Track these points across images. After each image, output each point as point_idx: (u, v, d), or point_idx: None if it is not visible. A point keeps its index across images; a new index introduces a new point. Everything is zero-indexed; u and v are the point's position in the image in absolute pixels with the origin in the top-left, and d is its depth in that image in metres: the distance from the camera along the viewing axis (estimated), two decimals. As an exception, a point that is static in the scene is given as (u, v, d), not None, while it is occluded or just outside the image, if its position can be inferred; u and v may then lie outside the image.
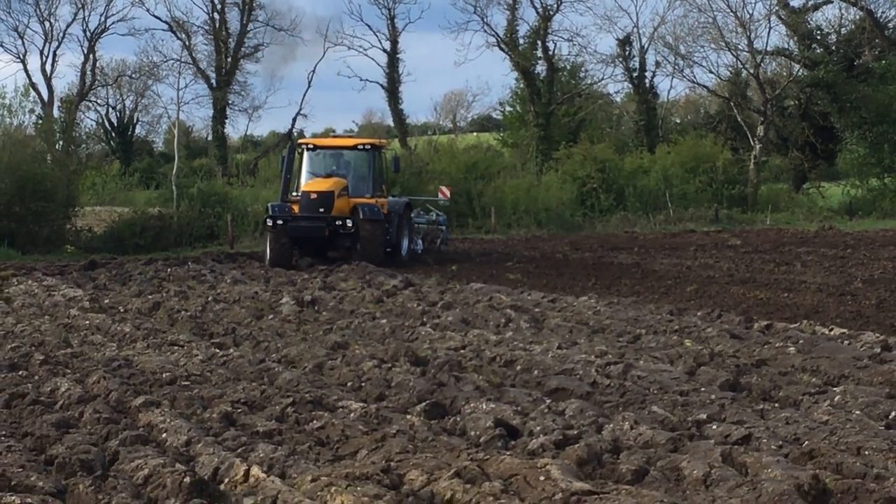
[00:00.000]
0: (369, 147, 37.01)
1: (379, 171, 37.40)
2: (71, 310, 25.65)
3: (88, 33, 73.41)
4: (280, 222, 34.64)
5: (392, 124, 70.11)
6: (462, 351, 18.98)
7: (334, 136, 39.85)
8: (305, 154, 36.78)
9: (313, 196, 34.65)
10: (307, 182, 35.75)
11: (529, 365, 17.36)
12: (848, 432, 12.36)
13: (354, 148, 36.94)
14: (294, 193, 36.04)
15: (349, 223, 34.62)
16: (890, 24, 66.27)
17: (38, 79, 73.98)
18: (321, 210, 34.61)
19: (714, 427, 13.04)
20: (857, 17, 65.97)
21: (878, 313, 23.30)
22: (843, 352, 17.80)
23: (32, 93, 69.73)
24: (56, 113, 69.52)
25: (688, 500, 10.07)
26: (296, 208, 35.05)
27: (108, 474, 11.43)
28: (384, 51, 70.30)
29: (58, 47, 74.87)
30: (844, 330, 20.44)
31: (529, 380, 16.52)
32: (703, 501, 10.01)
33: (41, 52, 74.65)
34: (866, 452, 11.57)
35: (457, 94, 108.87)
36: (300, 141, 38.05)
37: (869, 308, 24.10)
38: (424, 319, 23.29)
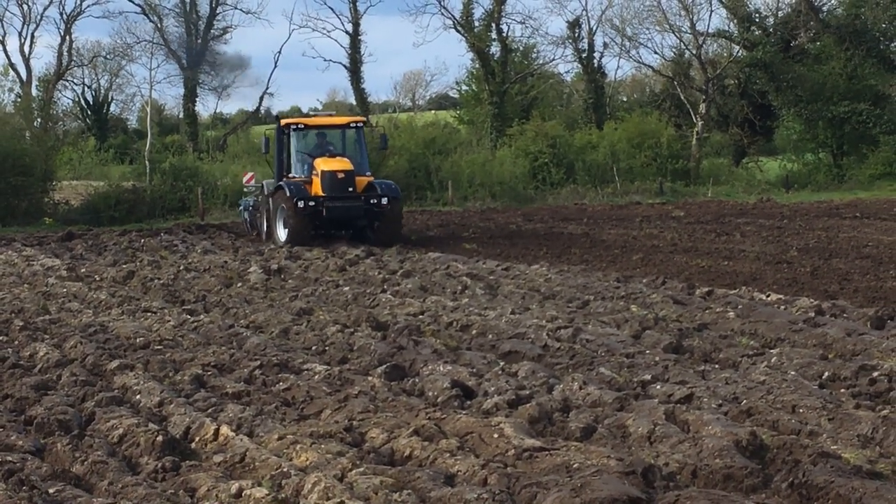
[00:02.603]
0: (361, 125, 35.43)
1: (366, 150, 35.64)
2: (49, 278, 25.59)
3: (65, 16, 72.72)
4: (312, 203, 31.92)
5: (354, 103, 69.74)
6: (420, 316, 18.99)
7: (315, 115, 37.27)
8: (293, 134, 33.92)
9: (340, 176, 32.18)
10: (320, 161, 32.72)
11: (484, 329, 17.39)
12: (783, 392, 12.42)
13: (346, 126, 35.05)
14: (292, 175, 33.36)
15: (384, 201, 32.38)
16: (824, 8, 66.41)
17: (17, 59, 73.48)
18: (350, 189, 32.33)
19: (658, 387, 13.09)
20: (794, 0, 66.10)
21: (812, 280, 23.41)
22: (780, 316, 17.89)
23: (11, 73, 69.61)
24: (34, 92, 69.15)
25: (633, 455, 10.10)
26: (316, 189, 32.27)
27: (84, 433, 11.43)
28: (346, 33, 69.86)
29: (35, 29, 74.33)
30: (781, 296, 20.52)
31: (484, 343, 16.55)
32: (647, 457, 10.04)
33: (20, 34, 74.11)
34: (801, 410, 11.64)
35: (416, 74, 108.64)
36: (288, 121, 34.81)
37: (804, 275, 24.20)
38: (385, 287, 23.28)
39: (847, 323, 17.16)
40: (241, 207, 38.35)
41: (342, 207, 32.28)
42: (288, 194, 32.08)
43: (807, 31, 65.53)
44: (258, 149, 40.54)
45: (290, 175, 33.43)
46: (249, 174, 41.79)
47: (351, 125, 34.91)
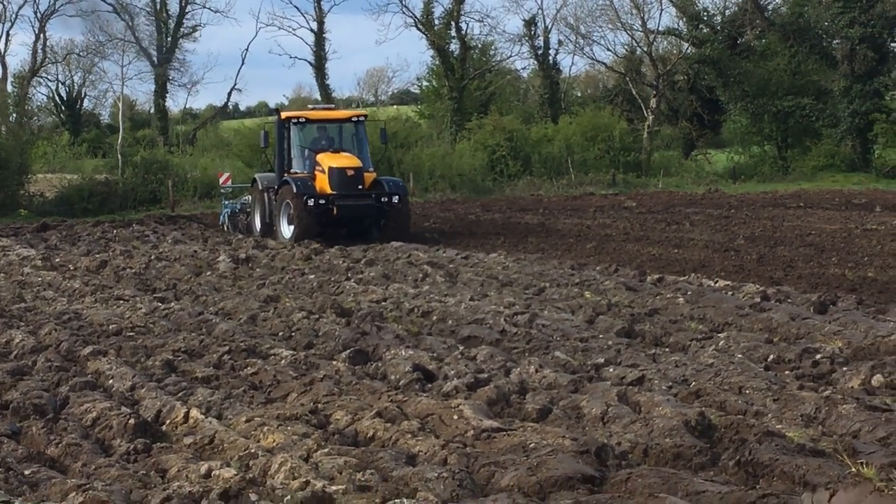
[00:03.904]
0: (363, 119, 33.07)
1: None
2: (24, 268, 25.47)
3: (39, 14, 72.72)
4: (322, 201, 29.61)
5: (319, 98, 69.63)
6: (383, 303, 18.99)
7: (315, 109, 34.95)
8: (293, 128, 31.54)
9: (349, 172, 29.96)
10: (324, 157, 30.62)
11: (444, 315, 17.40)
12: (731, 374, 12.48)
13: (349, 120, 32.60)
14: (294, 170, 31.14)
15: (395, 199, 30.41)
16: (769, 7, 66.77)
17: None
18: (360, 187, 30.14)
19: (611, 370, 13.13)
20: (740, 0, 66.38)
21: (758, 267, 23.53)
22: (727, 302, 17.96)
23: None
24: (10, 88, 69.02)
25: (587, 435, 10.12)
26: (321, 185, 30.06)
27: (59, 417, 11.37)
28: (311, 31, 69.79)
29: (10, 27, 75.05)
30: (728, 282, 20.62)
31: (444, 329, 16.55)
32: (600, 437, 10.06)
33: None
34: (747, 391, 11.70)
35: (378, 71, 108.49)
36: (289, 114, 32.52)
37: (750, 262, 24.32)
38: (349, 275, 23.26)
39: (791, 308, 17.24)
40: (227, 210, 36.03)
41: (354, 206, 30.28)
42: (295, 191, 29.82)
43: (753, 28, 65.83)
44: (258, 143, 38.08)
45: (292, 170, 31.24)
46: (225, 175, 40.39)
47: (353, 119, 32.62)
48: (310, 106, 35.67)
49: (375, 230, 30.73)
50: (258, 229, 32.37)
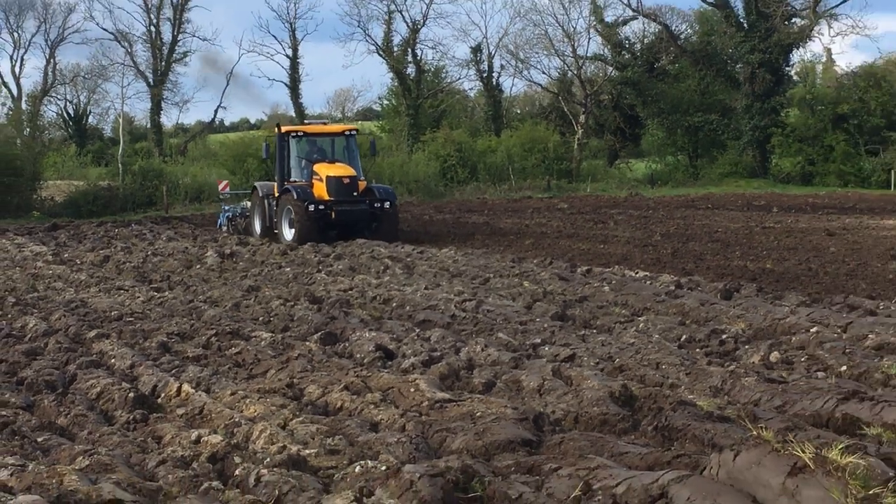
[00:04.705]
0: (354, 133, 32.12)
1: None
2: (37, 262, 25.33)
3: (49, 42, 73.02)
4: (322, 207, 28.80)
5: (294, 115, 69.38)
6: (350, 292, 18.95)
7: (310, 124, 33.82)
8: (292, 140, 30.70)
9: (346, 181, 29.19)
10: (321, 167, 29.88)
11: (402, 302, 17.39)
12: (649, 351, 12.53)
13: (342, 134, 31.73)
14: (293, 179, 30.32)
15: (387, 205, 29.73)
16: (682, 36, 67.00)
17: (9, 79, 74.13)
18: (354, 193, 29.42)
19: (546, 349, 13.15)
20: (657, 29, 66.60)
21: (672, 259, 23.64)
22: (646, 290, 18.03)
23: (4, 90, 70.53)
24: (24, 106, 68.97)
25: (526, 405, 10.14)
26: (318, 192, 29.28)
27: (67, 392, 11.32)
28: (287, 56, 69.65)
29: (24, 53, 74.84)
30: (647, 272, 20.70)
31: (403, 314, 16.54)
32: (537, 406, 10.08)
33: (11, 57, 75.08)
34: (663, 367, 11.75)
35: (345, 91, 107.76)
36: (288, 128, 31.72)
37: (666, 256, 24.43)
38: (320, 268, 23.21)
39: (701, 295, 17.34)
40: (228, 214, 34.81)
41: (350, 211, 29.45)
42: (296, 197, 29.05)
43: (667, 55, 66.14)
44: (260, 155, 37.64)
45: (291, 179, 30.46)
46: (224, 182, 39.83)
47: (345, 133, 31.77)
48: (306, 121, 34.64)
49: (367, 232, 29.93)
50: (258, 232, 31.56)
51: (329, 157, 30.99)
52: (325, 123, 34.64)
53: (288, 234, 29.62)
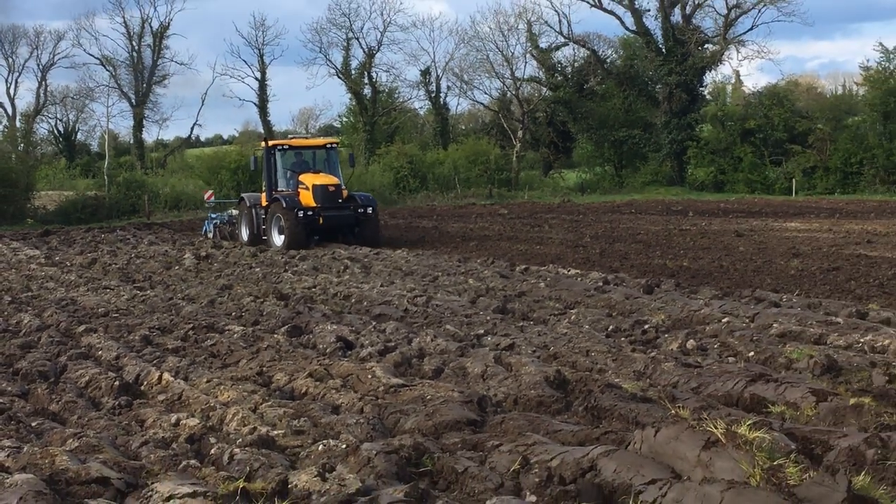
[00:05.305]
0: (335, 146, 31.27)
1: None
2: (31, 265, 25.08)
3: (41, 66, 72.93)
4: (310, 213, 28.18)
5: (263, 132, 69.11)
6: (313, 289, 18.92)
7: (294, 137, 32.51)
8: (277, 153, 29.77)
9: (331, 189, 28.55)
10: (307, 176, 29.15)
11: (361, 298, 17.38)
12: (580, 340, 12.60)
13: (323, 147, 30.76)
14: (280, 189, 29.49)
15: (369, 210, 29.11)
16: (608, 60, 67.27)
17: (4, 99, 74.31)
18: (339, 200, 28.81)
19: (488, 339, 13.19)
20: (586, 54, 66.85)
21: (600, 259, 23.75)
22: (577, 286, 18.12)
23: (0, 110, 69.30)
24: (18, 124, 68.45)
25: (471, 389, 10.17)
26: (305, 200, 28.57)
27: (59, 381, 11.25)
28: (256, 79, 69.39)
29: (18, 76, 74.79)
30: (578, 270, 20.80)
31: (361, 308, 16.53)
32: (481, 389, 10.12)
33: (6, 80, 75.12)
34: (592, 354, 11.81)
35: (308, 110, 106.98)
36: (274, 142, 30.80)
37: (595, 255, 24.55)
38: (286, 268, 23.14)
39: (626, 290, 17.45)
40: (216, 221, 33.67)
41: (336, 216, 28.79)
42: (285, 205, 28.33)
43: (595, 77, 66.31)
44: (247, 167, 37.24)
45: (278, 189, 29.59)
46: (209, 192, 39.15)
47: (326, 146, 30.83)
48: (290, 136, 34.28)
49: (351, 236, 29.48)
50: (245, 239, 30.49)
51: (312, 167, 30.25)
52: (307, 137, 34.02)
53: (277, 240, 28.85)
